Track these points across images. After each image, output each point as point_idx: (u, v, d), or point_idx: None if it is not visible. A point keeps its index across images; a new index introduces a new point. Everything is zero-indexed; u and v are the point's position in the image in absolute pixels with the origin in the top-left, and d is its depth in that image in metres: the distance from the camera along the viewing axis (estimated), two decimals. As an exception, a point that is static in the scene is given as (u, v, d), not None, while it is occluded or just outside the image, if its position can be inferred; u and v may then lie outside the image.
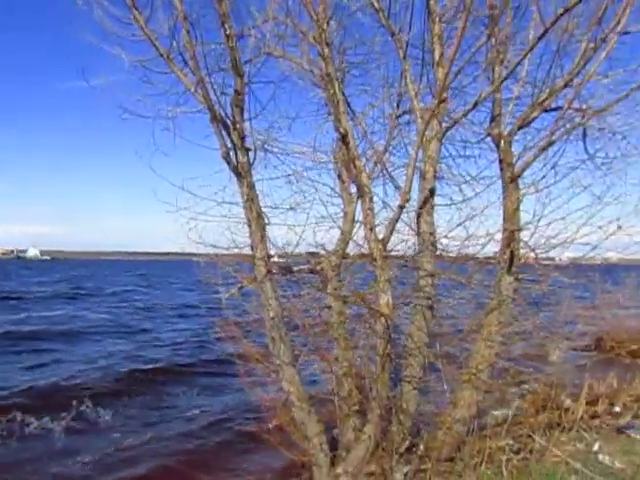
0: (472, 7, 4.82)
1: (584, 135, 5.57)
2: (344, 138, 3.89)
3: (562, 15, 3.68)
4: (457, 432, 4.77)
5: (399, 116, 5.44)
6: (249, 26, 4.80)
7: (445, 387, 4.99)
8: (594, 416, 6.64)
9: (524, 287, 4.81)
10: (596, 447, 5.54)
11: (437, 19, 4.64)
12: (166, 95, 4.47)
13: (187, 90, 4.21)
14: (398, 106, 5.34)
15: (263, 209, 4.40)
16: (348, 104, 5.27)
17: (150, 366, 11.23)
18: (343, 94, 5.13)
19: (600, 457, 5.31)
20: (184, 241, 4.51)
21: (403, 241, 4.65)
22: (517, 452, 5.07)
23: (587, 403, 7.00)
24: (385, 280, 3.89)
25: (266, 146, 4.64)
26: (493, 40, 5.02)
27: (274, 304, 4.04)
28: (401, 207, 3.78)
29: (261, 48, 4.71)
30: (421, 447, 4.59)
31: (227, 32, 4.20)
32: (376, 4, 4.43)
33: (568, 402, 6.92)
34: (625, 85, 5.13)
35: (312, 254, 4.78)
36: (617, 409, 7.14)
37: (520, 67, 5.04)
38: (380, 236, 3.96)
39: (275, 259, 4.72)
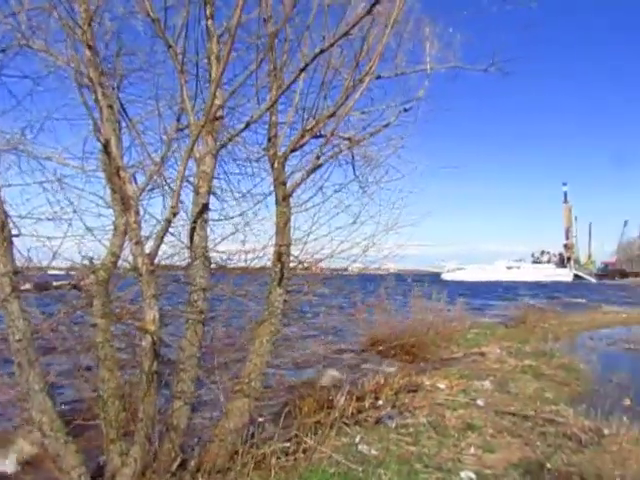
0: (245, 32, 5.11)
1: (353, 160, 6.30)
2: (105, 147, 3.70)
3: (319, 55, 4.12)
4: (231, 442, 4.86)
5: (182, 129, 5.40)
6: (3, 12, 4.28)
7: (221, 399, 5.07)
8: (360, 411, 7.42)
9: (294, 298, 5.19)
10: (357, 439, 6.21)
11: (215, 39, 4.75)
12: None
13: None
14: (179, 119, 5.30)
15: (14, 218, 3.93)
16: (125, 111, 5.06)
17: None
18: (119, 100, 4.93)
19: (360, 447, 5.97)
20: None
21: (173, 254, 4.62)
22: (289, 454, 5.39)
23: (357, 399, 7.82)
24: (152, 295, 3.79)
25: (21, 147, 4.14)
26: (271, 65, 5.37)
27: (22, 325, 3.61)
28: (168, 221, 3.74)
29: (18, 38, 4.24)
30: (192, 462, 4.56)
31: (-32, 14, 3.68)
32: (152, 14, 4.35)
33: (342, 401, 7.63)
34: (381, 121, 6.00)
35: (76, 268, 4.41)
36: (380, 402, 8.11)
37: (293, 93, 5.49)
38: (147, 250, 3.86)
39: (31, 273, 4.23)
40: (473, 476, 5.29)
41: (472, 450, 6.08)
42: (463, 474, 5.32)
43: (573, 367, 11.50)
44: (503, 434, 6.73)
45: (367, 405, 7.81)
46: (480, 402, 8.17)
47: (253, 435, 5.03)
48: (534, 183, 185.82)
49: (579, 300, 37.93)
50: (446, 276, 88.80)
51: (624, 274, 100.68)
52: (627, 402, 8.73)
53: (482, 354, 12.77)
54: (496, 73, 5.78)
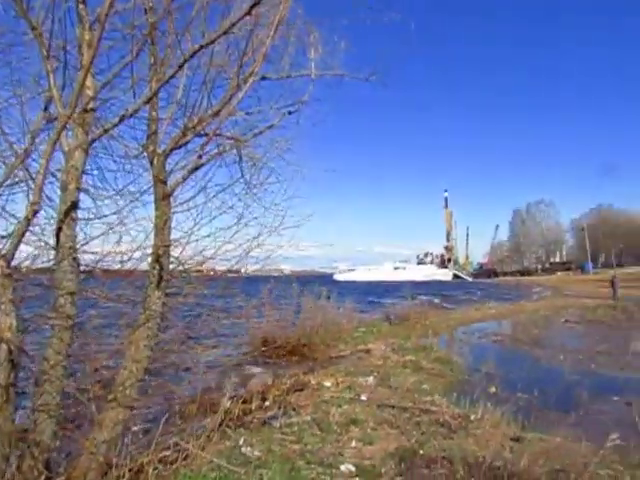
0: (125, 21, 4.86)
1: (240, 161, 6.24)
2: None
3: (198, 51, 4.04)
4: (103, 455, 4.57)
5: (52, 120, 4.99)
6: None
7: (93, 409, 4.75)
8: (246, 413, 7.38)
9: (174, 300, 5.02)
10: (241, 441, 6.16)
11: (87, 25, 4.46)
12: None
13: None
14: (47, 108, 4.90)
15: None
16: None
17: None
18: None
19: (243, 450, 5.93)
20: None
21: (37, 256, 4.25)
22: (168, 462, 5.20)
23: (244, 401, 7.77)
24: (8, 300, 3.46)
25: None
26: (152, 58, 5.14)
27: None
28: (27, 219, 3.43)
29: None
30: (58, 480, 4.23)
31: None
32: (12, -9, 3.97)
33: (228, 404, 7.51)
34: (266, 123, 6.01)
35: None
36: (267, 403, 8.14)
37: (175, 89, 5.32)
38: (3, 251, 3.51)
39: None
40: (352, 468, 5.50)
41: (353, 443, 6.32)
42: (343, 467, 5.51)
43: (448, 360, 12.43)
44: (383, 426, 7.08)
45: (254, 407, 7.80)
46: (364, 397, 8.52)
47: (128, 446, 4.77)
48: (419, 189, 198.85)
49: (461, 297, 41.25)
50: (338, 277, 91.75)
51: (495, 273, 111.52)
52: (493, 389, 9.62)
53: (368, 351, 13.33)
54: (377, 82, 6.08)
